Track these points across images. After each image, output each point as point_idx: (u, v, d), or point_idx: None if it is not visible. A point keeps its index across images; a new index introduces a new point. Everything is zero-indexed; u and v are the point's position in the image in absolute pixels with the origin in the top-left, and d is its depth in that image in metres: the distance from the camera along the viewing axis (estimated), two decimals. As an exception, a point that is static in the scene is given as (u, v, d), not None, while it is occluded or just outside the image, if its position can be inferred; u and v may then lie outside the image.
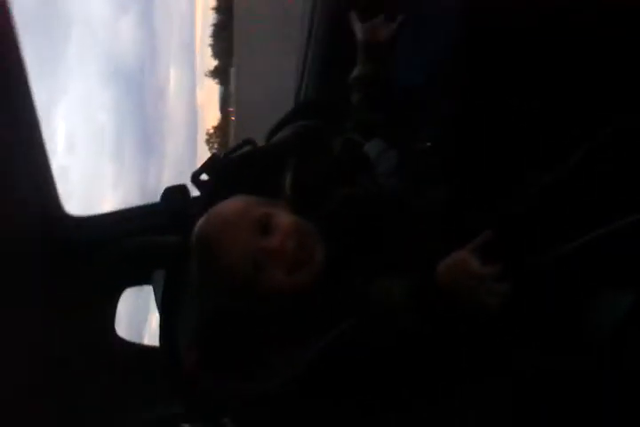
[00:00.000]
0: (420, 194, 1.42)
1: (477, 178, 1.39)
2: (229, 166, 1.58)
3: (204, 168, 1.60)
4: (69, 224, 2.09)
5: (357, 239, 1.39)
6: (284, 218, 1.34)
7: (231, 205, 1.38)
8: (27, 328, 1.84)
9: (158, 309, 1.60)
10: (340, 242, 1.38)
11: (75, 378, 1.95)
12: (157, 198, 1.82)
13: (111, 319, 2.11)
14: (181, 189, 1.84)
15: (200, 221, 1.37)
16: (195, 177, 1.61)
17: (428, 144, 1.46)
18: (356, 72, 1.69)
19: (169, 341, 1.51)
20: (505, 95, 1.44)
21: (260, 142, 1.67)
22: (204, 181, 1.61)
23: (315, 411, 1.39)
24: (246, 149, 1.60)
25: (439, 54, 1.61)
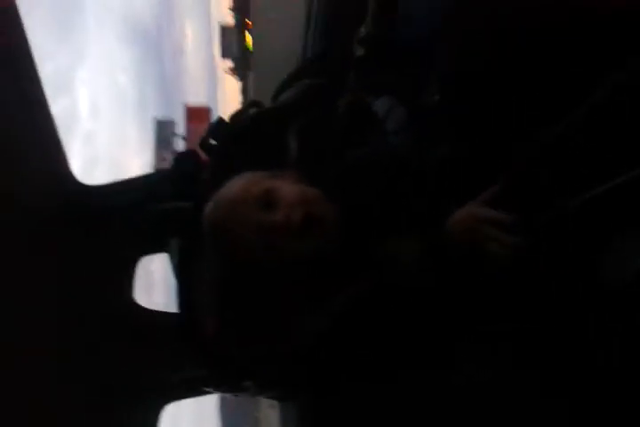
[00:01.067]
0: (429, 150, 1.39)
1: (486, 133, 1.35)
2: (236, 130, 1.56)
3: (211, 133, 1.59)
4: (83, 193, 2.10)
5: (368, 199, 1.37)
6: (287, 190, 1.34)
7: (234, 185, 1.38)
8: (45, 297, 1.86)
9: (175, 277, 1.60)
10: (352, 203, 1.37)
11: (94, 345, 1.98)
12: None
13: (128, 288, 2.13)
14: (192, 155, 1.83)
15: (208, 207, 1.38)
16: (203, 142, 1.60)
17: (437, 97, 1.43)
18: (364, 30, 1.65)
19: (186, 308, 1.52)
20: (511, 51, 1.38)
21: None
22: (213, 146, 1.60)
23: (332, 368, 1.40)
24: (252, 111, 1.58)
25: (442, 10, 1.55)
